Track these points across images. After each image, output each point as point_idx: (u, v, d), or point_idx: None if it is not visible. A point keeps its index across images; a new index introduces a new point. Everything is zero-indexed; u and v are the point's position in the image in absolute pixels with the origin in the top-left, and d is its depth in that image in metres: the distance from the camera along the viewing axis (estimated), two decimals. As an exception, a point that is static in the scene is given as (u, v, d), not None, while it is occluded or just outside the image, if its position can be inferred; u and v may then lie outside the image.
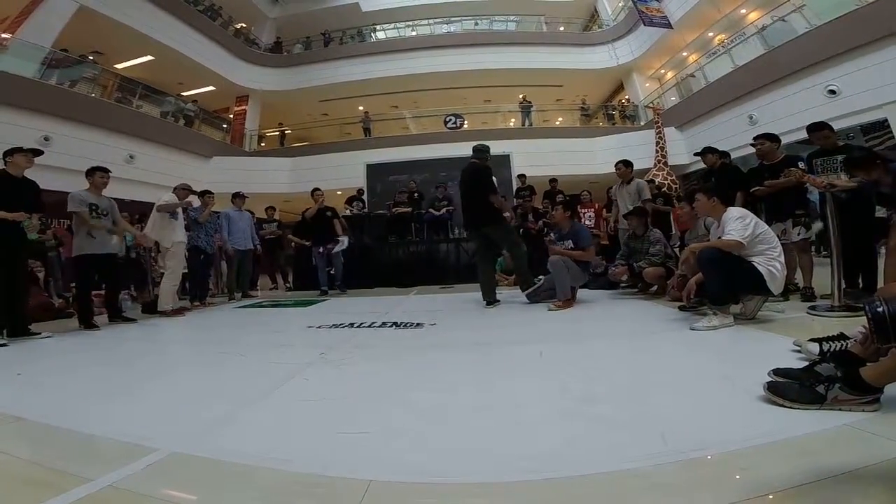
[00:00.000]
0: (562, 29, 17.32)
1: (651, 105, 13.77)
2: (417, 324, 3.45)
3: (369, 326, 3.48)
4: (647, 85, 15.66)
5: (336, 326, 3.56)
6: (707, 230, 3.75)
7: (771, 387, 1.44)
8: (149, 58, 12.77)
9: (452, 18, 17.21)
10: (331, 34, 16.84)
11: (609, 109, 16.77)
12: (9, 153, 3.63)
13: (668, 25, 12.75)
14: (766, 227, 2.86)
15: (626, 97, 16.49)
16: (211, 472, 1.20)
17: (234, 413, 1.65)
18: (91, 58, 11.21)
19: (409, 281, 7.18)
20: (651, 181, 9.39)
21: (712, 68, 11.97)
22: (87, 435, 1.47)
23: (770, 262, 2.70)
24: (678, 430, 1.29)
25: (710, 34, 13.40)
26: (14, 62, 8.84)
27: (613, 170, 5.55)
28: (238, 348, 2.96)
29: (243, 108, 15.84)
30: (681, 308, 3.37)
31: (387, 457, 1.23)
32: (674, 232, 5.61)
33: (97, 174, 4.35)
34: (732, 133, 10.24)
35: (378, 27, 17.44)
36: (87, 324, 4.01)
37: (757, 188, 3.86)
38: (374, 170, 12.74)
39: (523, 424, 1.44)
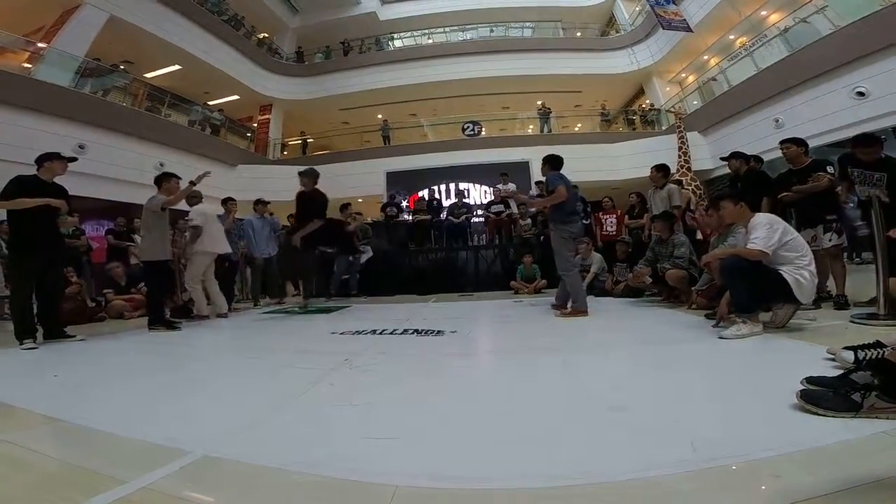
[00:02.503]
0: (579, 35, 17.26)
1: (673, 109, 13.58)
2: (438, 331, 3.45)
3: (391, 333, 3.49)
4: (668, 89, 15.47)
5: (358, 333, 3.58)
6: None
7: (804, 395, 1.40)
8: (176, 67, 13.15)
9: (468, 26, 17.34)
10: (350, 43, 17.14)
11: (629, 114, 16.58)
12: (47, 158, 3.71)
13: (688, 29, 12.58)
14: (796, 234, 2.78)
15: (647, 102, 16.30)
16: (241, 474, 1.22)
17: (263, 417, 1.67)
18: (122, 67, 11.51)
19: (428, 288, 7.22)
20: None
21: (735, 71, 11.74)
22: (121, 437, 1.50)
23: (798, 271, 2.62)
24: (707, 437, 1.27)
25: (731, 37, 13.17)
26: (50, 71, 9.12)
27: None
28: (265, 353, 3.02)
29: (267, 116, 16.18)
30: (707, 316, 3.31)
31: (412, 462, 1.24)
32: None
33: (171, 180, 4.53)
34: (758, 137, 10.02)
35: (395, 36, 17.69)
36: (163, 323, 4.24)
37: (784, 194, 3.77)
38: (393, 177, 12.92)
39: (549, 431, 1.43)
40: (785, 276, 2.62)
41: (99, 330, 4.36)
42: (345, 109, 16.96)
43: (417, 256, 8.26)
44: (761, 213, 2.91)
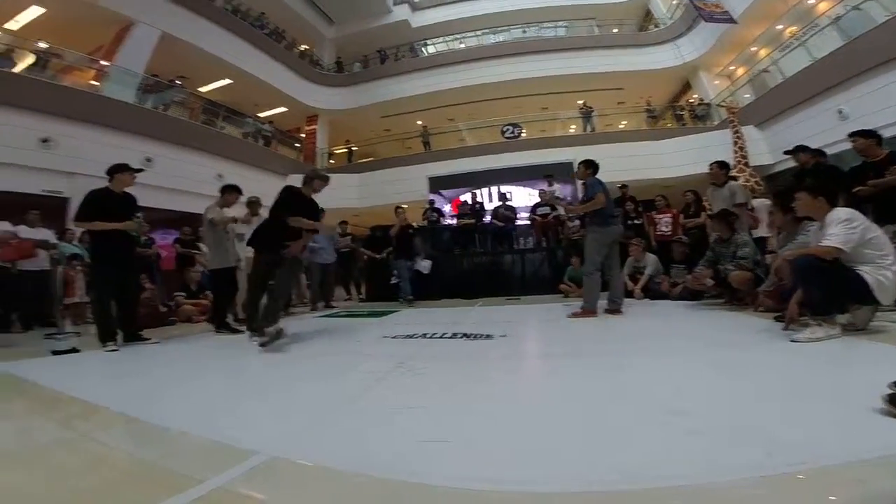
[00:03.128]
0: (615, 31, 16.84)
1: (724, 104, 12.95)
2: (488, 335, 3.45)
3: (440, 337, 3.53)
4: (717, 83, 14.80)
5: (410, 337, 3.64)
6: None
7: (892, 398, 1.31)
8: (227, 81, 13.80)
9: (499, 29, 17.31)
10: (385, 51, 17.47)
11: (677, 110, 15.96)
12: (116, 171, 3.89)
13: (731, 20, 11.98)
14: (879, 231, 2.58)
15: (695, 96, 15.64)
16: (307, 476, 1.27)
17: (325, 419, 1.73)
18: (178, 82, 12.15)
19: (474, 292, 7.23)
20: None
21: (788, 62, 11.04)
22: (195, 436, 1.59)
23: (880, 271, 2.42)
24: (783, 442, 1.22)
25: (779, 27, 12.44)
26: (115, 88, 9.69)
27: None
28: (322, 356, 3.12)
29: (313, 127, 16.75)
30: (777, 318, 3.12)
31: (472, 465, 1.24)
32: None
33: (232, 193, 4.78)
34: (820, 129, 9.34)
35: (428, 42, 17.93)
36: (227, 328, 4.46)
37: (860, 188, 3.52)
38: (436, 182, 13.06)
39: (611, 436, 1.40)
40: (864, 276, 2.43)
41: (170, 333, 4.65)
42: (385, 117, 17.32)
43: (462, 261, 8.29)
44: (840, 208, 2.67)
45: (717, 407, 1.61)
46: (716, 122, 13.55)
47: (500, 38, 17.17)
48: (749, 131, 11.65)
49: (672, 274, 5.43)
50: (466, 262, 8.22)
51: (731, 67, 14.71)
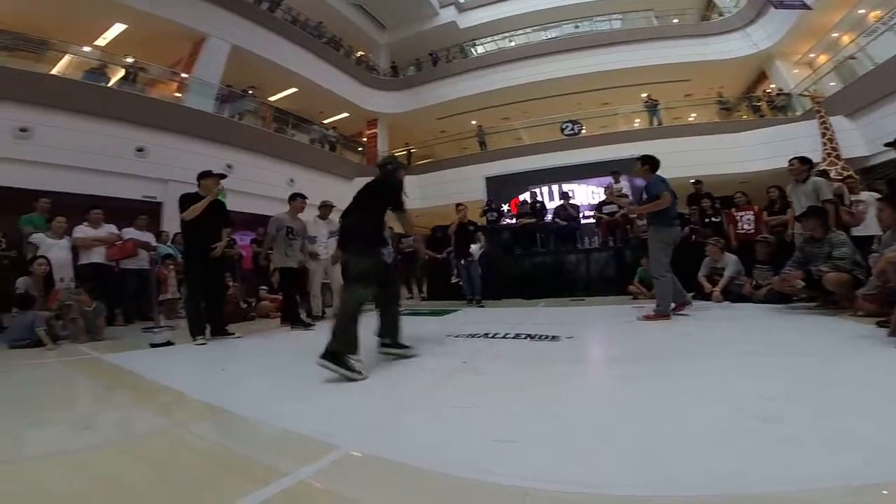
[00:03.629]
0: (675, 21, 15.93)
1: (808, 93, 11.86)
2: (553, 336, 3.37)
3: (503, 337, 3.50)
4: (796, 72, 13.63)
5: (472, 336, 3.64)
6: None
7: None
8: (293, 90, 14.52)
9: (549, 25, 16.90)
10: (437, 54, 17.60)
11: (753, 101, 14.80)
12: (203, 176, 4.16)
13: (805, 6, 10.97)
14: None
15: (773, 86, 14.42)
16: (384, 471, 1.30)
17: (398, 416, 1.78)
18: (251, 92, 12.83)
19: (536, 292, 7.13)
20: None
21: (877, 47, 9.92)
22: (278, 429, 1.68)
23: None
24: (883, 452, 1.13)
25: (861, 11, 11.30)
26: (196, 99, 10.33)
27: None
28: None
29: (374, 131, 17.26)
30: (879, 324, 2.83)
31: (542, 465, 1.24)
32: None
33: (297, 200, 5.05)
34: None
35: (477, 42, 17.87)
36: (297, 322, 4.79)
37: None
38: (493, 182, 13.01)
39: (692, 442, 1.33)
40: None
41: (250, 328, 4.99)
42: (441, 118, 17.48)
43: (523, 261, 8.20)
44: None
45: (812, 414, 1.51)
46: (798, 113, 12.45)
47: (552, 34, 16.77)
48: (838, 121, 10.58)
49: (755, 275, 5.04)
50: (528, 262, 8.12)
51: (812, 55, 13.56)
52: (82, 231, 5.53)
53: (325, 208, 5.70)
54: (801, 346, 2.77)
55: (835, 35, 12.47)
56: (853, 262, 3.67)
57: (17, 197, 6.13)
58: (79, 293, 4.41)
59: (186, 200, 4.05)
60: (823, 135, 10.08)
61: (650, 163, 4.21)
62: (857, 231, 4.66)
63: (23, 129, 7.22)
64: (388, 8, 17.14)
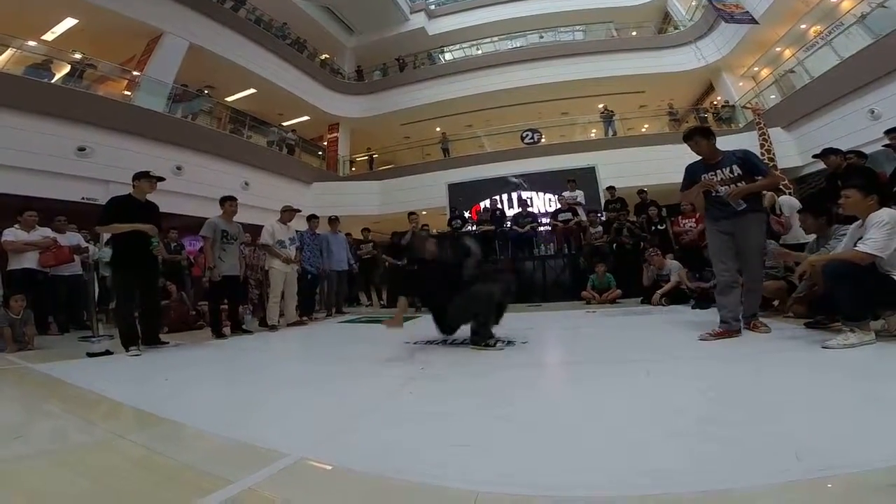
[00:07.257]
0: (634, 34, 16.69)
1: (749, 105, 12.68)
2: (509, 341, 3.43)
3: (461, 344, 3.51)
4: (741, 84, 14.52)
5: (430, 343, 3.66)
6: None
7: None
8: (252, 91, 14.16)
9: (516, 34, 17.30)
10: (404, 59, 17.62)
11: (701, 112, 15.65)
12: (138, 178, 3.94)
13: (752, 21, 11.79)
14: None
15: (719, 98, 15.35)
16: (335, 478, 1.30)
17: (350, 422, 1.76)
18: (206, 92, 12.46)
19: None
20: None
21: (815, 62, 10.76)
22: (224, 437, 1.63)
23: (915, 276, 2.34)
24: (814, 449, 1.19)
25: (803, 26, 12.24)
26: (147, 98, 9.95)
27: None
28: (345, 361, 3.17)
29: (335, 135, 17.01)
30: (807, 325, 3.05)
31: (493, 469, 1.25)
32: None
33: (227, 203, 4.86)
34: (851, 130, 9.15)
35: (445, 49, 18.01)
36: (218, 333, 4.57)
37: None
38: (455, 189, 13.08)
39: (635, 442, 1.38)
40: (900, 281, 2.35)
41: (196, 337, 4.78)
42: (405, 124, 17.47)
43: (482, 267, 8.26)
44: (886, 209, 2.54)
45: (744, 414, 1.59)
46: (741, 125, 13.28)
47: (517, 43, 17.18)
48: (776, 133, 11.38)
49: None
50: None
51: (756, 68, 14.44)
52: (13, 234, 5.15)
53: (288, 213, 5.56)
54: (739, 346, 2.84)
55: (778, 49, 13.32)
56: (785, 268, 3.93)
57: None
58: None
59: (112, 206, 3.81)
60: (762, 146, 10.78)
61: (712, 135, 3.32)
62: (788, 239, 4.98)
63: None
64: (357, 12, 17.04)
